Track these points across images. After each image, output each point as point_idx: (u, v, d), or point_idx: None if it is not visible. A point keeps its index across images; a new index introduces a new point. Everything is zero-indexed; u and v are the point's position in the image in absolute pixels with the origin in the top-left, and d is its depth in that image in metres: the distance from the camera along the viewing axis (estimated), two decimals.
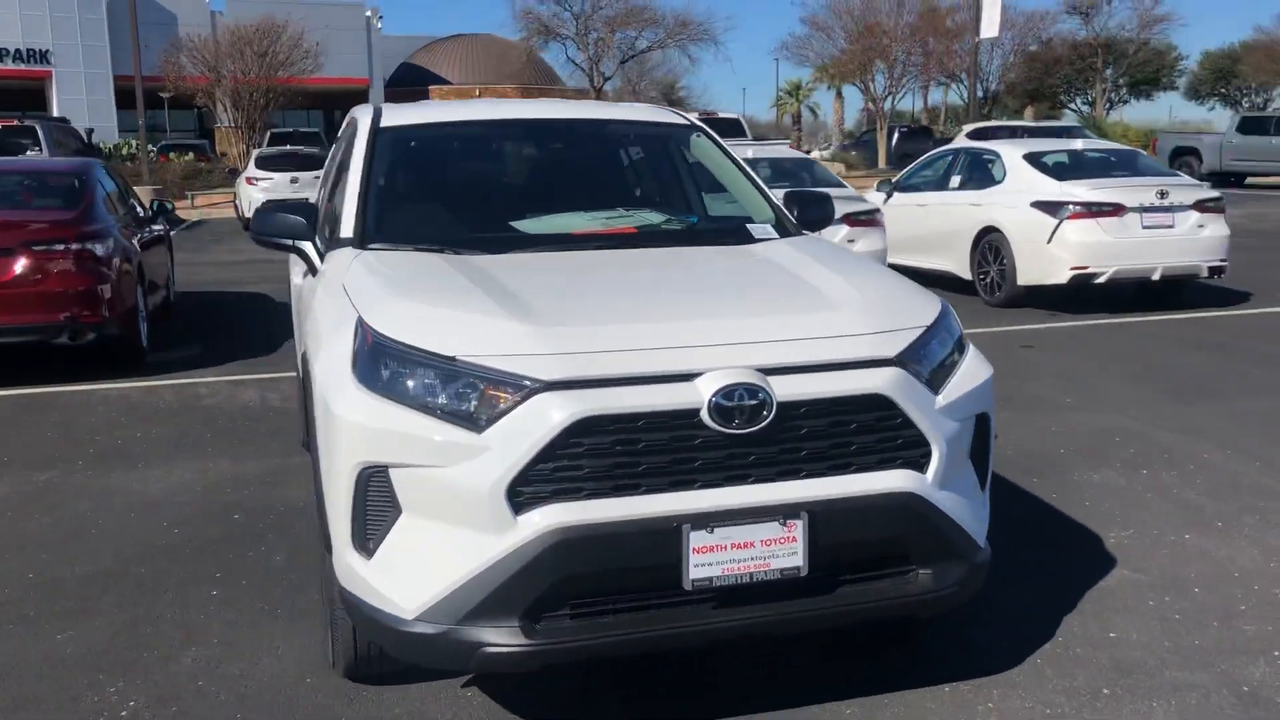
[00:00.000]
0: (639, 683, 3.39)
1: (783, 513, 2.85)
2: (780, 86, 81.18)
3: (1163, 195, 10.00)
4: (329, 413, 2.96)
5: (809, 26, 48.58)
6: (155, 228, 10.16)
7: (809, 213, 4.35)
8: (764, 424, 2.81)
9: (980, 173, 11.23)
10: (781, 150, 12.93)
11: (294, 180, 21.27)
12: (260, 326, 10.18)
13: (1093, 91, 56.17)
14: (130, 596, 4.13)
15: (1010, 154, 10.90)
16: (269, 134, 32.41)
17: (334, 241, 3.94)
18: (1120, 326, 9.50)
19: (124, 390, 7.64)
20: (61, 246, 7.66)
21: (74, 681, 3.48)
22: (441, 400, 2.82)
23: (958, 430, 3.08)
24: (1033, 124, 29.07)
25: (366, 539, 2.91)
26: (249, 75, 32.19)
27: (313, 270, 4.04)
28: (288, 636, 3.75)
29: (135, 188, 12.53)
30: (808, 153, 23.65)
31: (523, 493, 2.74)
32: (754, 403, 2.79)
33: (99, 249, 7.89)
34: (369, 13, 49.89)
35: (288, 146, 24.91)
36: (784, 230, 4.16)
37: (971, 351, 3.30)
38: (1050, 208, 10.03)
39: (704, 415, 2.78)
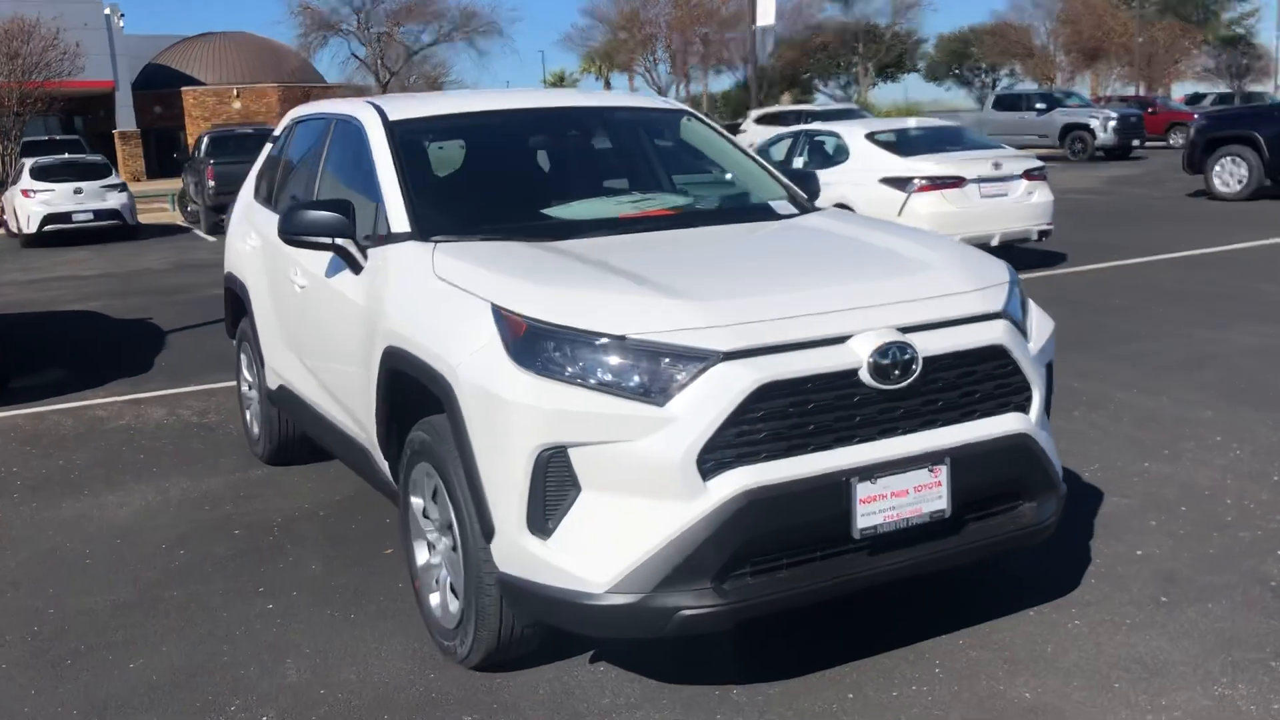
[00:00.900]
0: (752, 638, 3.54)
1: (930, 460, 3.08)
2: (544, 78, 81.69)
3: (997, 166, 10.83)
4: (495, 400, 2.97)
5: (590, 17, 49.13)
6: None
7: (805, 189, 4.59)
8: (912, 379, 3.03)
9: (824, 153, 11.81)
10: None
11: (78, 191, 19.93)
12: (114, 345, 9.63)
13: (844, 76, 59.21)
14: (184, 619, 3.96)
15: (853, 134, 11.53)
16: (22, 143, 29.99)
17: (383, 238, 3.88)
18: None
19: (8, 420, 7.11)
20: None
21: (187, 705, 3.35)
22: (617, 378, 2.89)
23: (1044, 374, 3.39)
24: (819, 108, 30.46)
25: (545, 520, 2.96)
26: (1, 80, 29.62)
27: (354, 268, 3.97)
28: (380, 639, 3.71)
29: None
30: None
31: (709, 459, 2.85)
32: (905, 359, 3.01)
33: None
34: (108, 10, 46.74)
35: (65, 155, 23.22)
36: (801, 206, 4.38)
37: (1033, 305, 3.62)
38: (898, 183, 10.68)
39: (862, 374, 2.97)
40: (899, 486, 3.05)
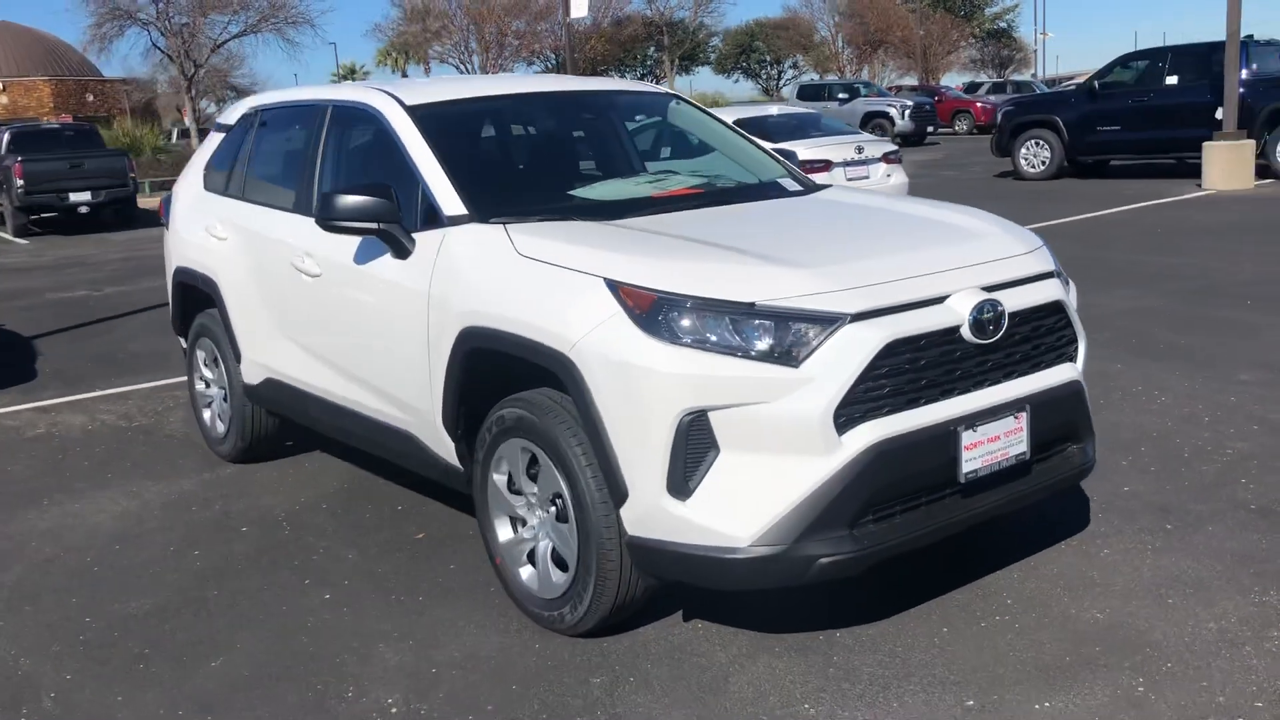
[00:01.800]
0: (822, 590, 3.75)
1: (1015, 408, 3.38)
2: (334, 71, 79.50)
3: (860, 150, 11.42)
4: (633, 370, 3.08)
5: (400, 8, 48.05)
6: None
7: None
8: (1000, 333, 3.32)
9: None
10: None
11: None
12: None
13: (639, 69, 60.16)
14: (242, 616, 3.88)
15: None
16: None
17: (432, 221, 3.90)
18: None
19: None
20: None
21: (299, 694, 3.31)
22: (751, 343, 3.06)
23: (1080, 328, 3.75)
24: None
25: (686, 481, 3.09)
26: None
27: (399, 252, 3.96)
28: (462, 617, 3.75)
29: None
30: None
31: (842, 415, 3.06)
32: (997, 315, 3.29)
33: None
34: None
35: None
36: (804, 183, 4.62)
37: None
38: None
39: (964, 330, 3.24)
40: (993, 433, 3.33)
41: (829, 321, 3.06)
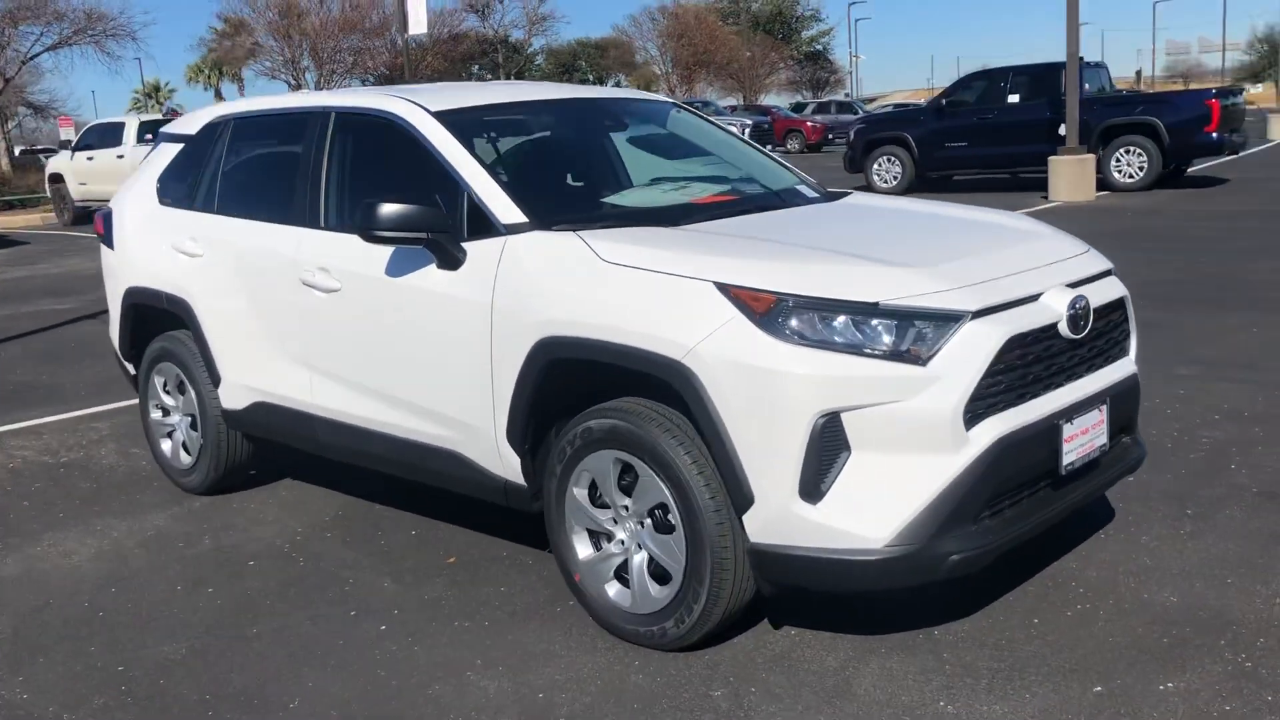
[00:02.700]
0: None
1: (1099, 400, 3.49)
2: (137, 88, 76.07)
3: None
4: (763, 373, 3.03)
5: (223, 23, 46.08)
6: None
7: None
8: (1089, 329, 3.42)
9: None
10: None
11: None
12: None
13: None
14: (298, 653, 3.63)
15: None
16: None
17: (485, 229, 3.75)
18: None
19: None
20: None
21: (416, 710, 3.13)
22: (879, 342, 3.06)
23: None
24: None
25: (818, 484, 3.06)
26: None
27: (448, 263, 3.80)
28: (544, 640, 3.61)
29: None
30: None
31: (968, 411, 3.09)
32: (1087, 310, 3.39)
33: None
34: None
35: None
36: (818, 189, 4.66)
37: None
38: None
39: (1061, 326, 3.32)
40: (1085, 425, 3.43)
41: (953, 319, 3.09)
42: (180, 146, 5.30)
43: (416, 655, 3.56)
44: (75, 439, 6.41)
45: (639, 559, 3.48)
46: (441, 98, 4.30)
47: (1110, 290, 3.63)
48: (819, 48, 69.83)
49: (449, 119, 4.12)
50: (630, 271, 3.36)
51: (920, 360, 3.05)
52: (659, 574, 3.45)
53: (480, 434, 3.81)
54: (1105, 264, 3.74)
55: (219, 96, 67.48)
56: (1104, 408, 3.51)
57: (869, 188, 19.23)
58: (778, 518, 3.11)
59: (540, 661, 3.47)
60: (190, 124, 5.36)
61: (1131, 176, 17.11)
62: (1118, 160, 17.19)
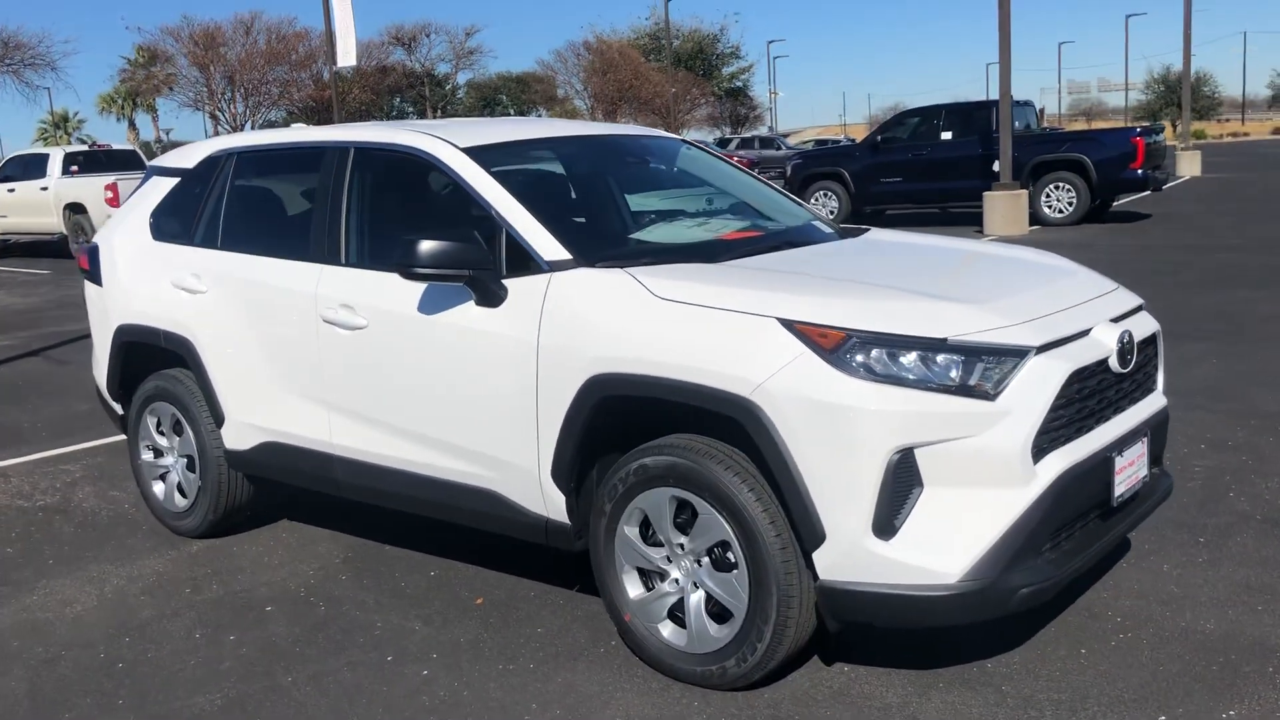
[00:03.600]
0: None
1: (1141, 433, 3.57)
2: (44, 118, 74.28)
3: None
4: (836, 410, 3.04)
5: (141, 55, 45.13)
6: None
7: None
8: (1134, 363, 3.50)
9: None
10: None
11: None
12: None
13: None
14: (344, 703, 3.52)
15: None
16: None
17: (525, 266, 3.72)
18: None
19: None
20: None
21: None
22: (950, 378, 3.09)
23: None
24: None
25: (891, 520, 3.08)
26: None
27: (488, 300, 3.76)
28: (595, 682, 3.56)
29: None
30: None
31: (1034, 445, 3.14)
32: (1133, 345, 3.47)
33: None
34: None
35: None
36: (832, 226, 4.72)
37: None
38: None
39: (1111, 360, 3.39)
40: (1132, 457, 3.50)
41: (1019, 354, 3.14)
42: (175, 181, 5.17)
43: (466, 700, 3.48)
44: (48, 482, 6.18)
45: (696, 598, 3.45)
46: (466, 134, 4.27)
47: (1146, 325, 3.72)
48: (739, 84, 70.83)
49: (478, 155, 4.09)
50: (687, 308, 3.36)
51: (989, 396, 3.09)
52: (716, 613, 3.42)
53: (521, 472, 3.75)
54: (1137, 300, 3.83)
55: (132, 127, 66.18)
56: (1144, 439, 3.59)
57: None
58: (850, 554, 3.11)
59: (597, 704, 3.41)
60: (185, 158, 5.24)
61: (1061, 211, 17.61)
62: (1048, 195, 17.69)
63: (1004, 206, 16.69)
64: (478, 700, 3.47)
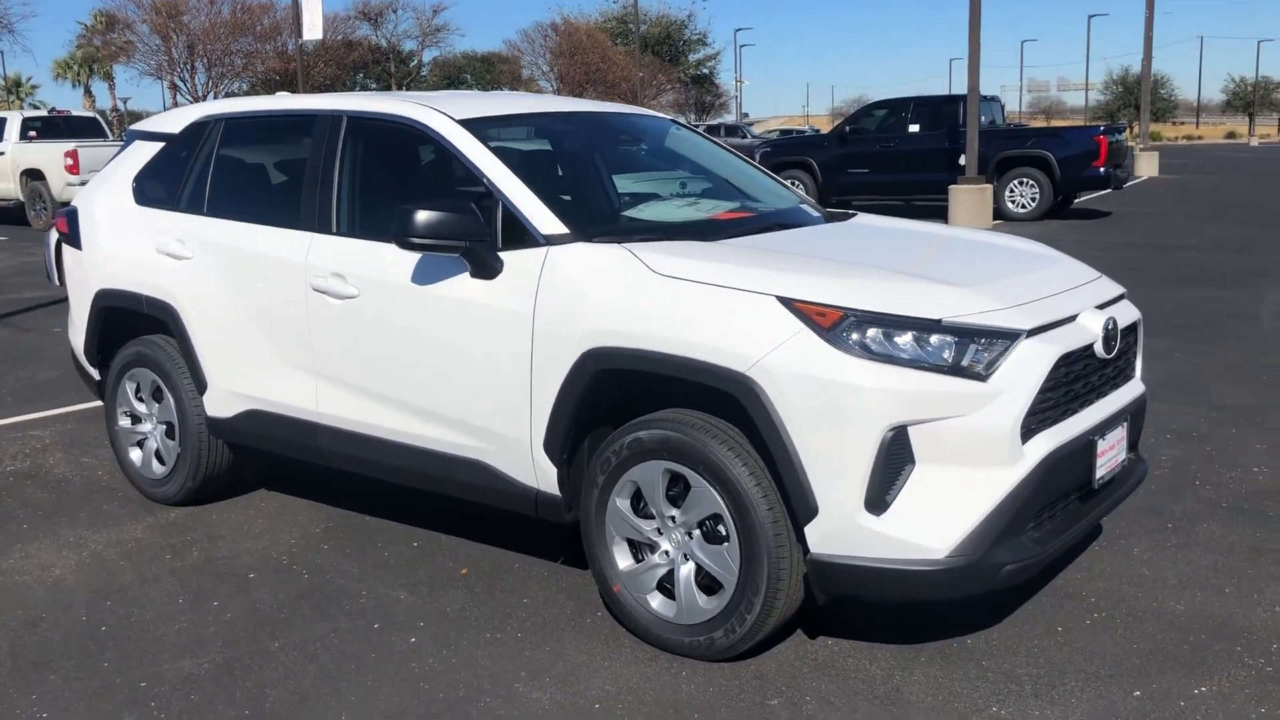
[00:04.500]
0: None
1: (1122, 418, 3.66)
2: None
3: None
4: (834, 387, 3.10)
5: (99, 20, 44.21)
6: None
7: None
8: (1117, 348, 3.59)
9: None
10: None
11: None
12: None
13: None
14: (331, 668, 3.54)
15: None
16: None
17: (521, 239, 3.75)
18: None
19: None
20: None
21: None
22: (945, 358, 3.15)
23: None
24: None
25: (883, 496, 3.14)
26: None
27: (484, 272, 3.78)
28: (583, 651, 3.60)
29: None
30: None
31: (1023, 426, 3.21)
32: (1117, 331, 3.56)
33: None
34: None
35: None
36: (817, 208, 4.77)
37: None
38: None
39: (1097, 346, 3.48)
40: (1112, 441, 3.60)
41: (1011, 337, 3.21)
42: (160, 146, 5.13)
43: (457, 668, 3.51)
44: (17, 447, 6.12)
45: (686, 569, 3.50)
46: (461, 106, 4.27)
47: (1128, 313, 3.81)
48: (705, 71, 70.84)
49: (473, 127, 4.10)
50: (685, 285, 3.40)
51: (982, 377, 3.16)
52: (706, 585, 3.48)
53: (513, 444, 3.78)
54: (1119, 288, 3.92)
55: (88, 94, 65.03)
56: (1124, 424, 3.69)
57: None
58: (842, 529, 3.17)
59: (586, 673, 3.46)
60: (170, 123, 5.19)
61: (1024, 207, 17.83)
62: (1011, 191, 17.91)
63: (968, 200, 16.86)
64: (467, 668, 3.51)
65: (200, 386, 4.78)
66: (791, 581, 3.31)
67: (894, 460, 3.13)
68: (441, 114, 4.14)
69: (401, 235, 3.70)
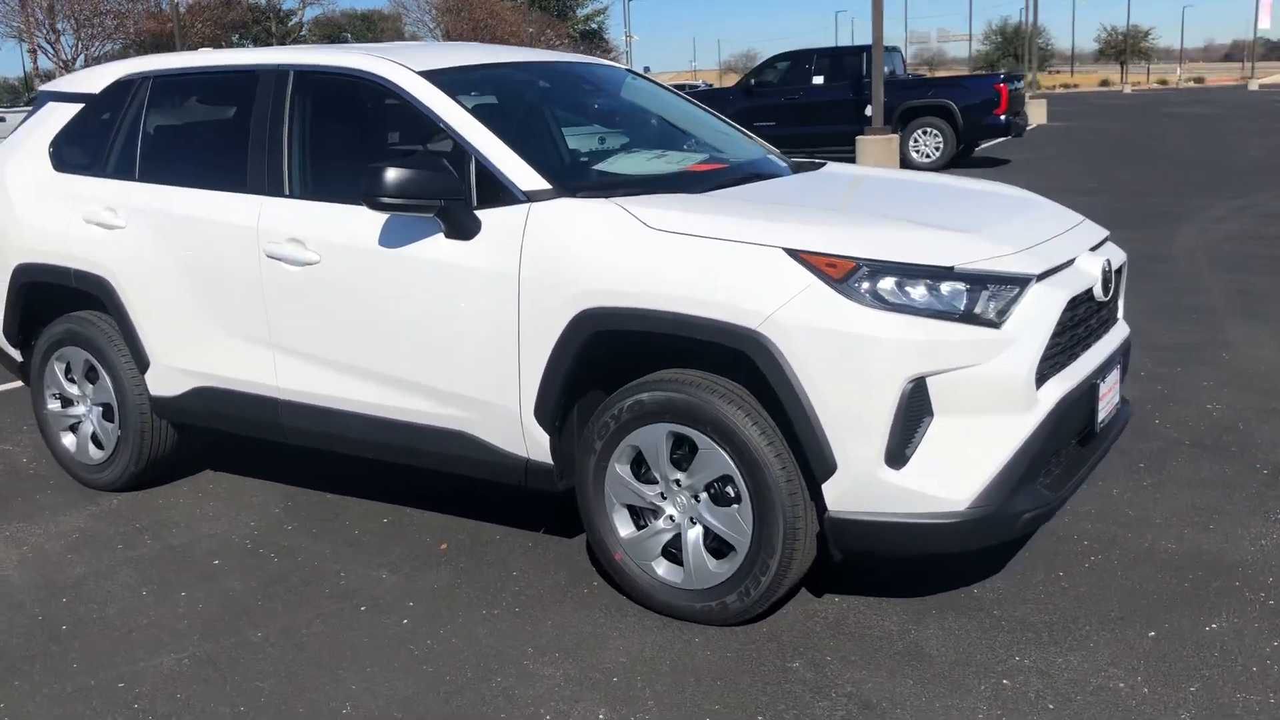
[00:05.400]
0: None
1: (1116, 360, 3.65)
2: None
3: None
4: (852, 339, 2.99)
5: None
6: None
7: None
8: (1112, 292, 3.56)
9: None
10: None
11: None
12: None
13: None
14: (324, 656, 3.35)
15: None
16: None
17: (499, 197, 3.56)
18: None
19: None
20: None
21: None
22: (959, 306, 3.07)
23: None
24: None
25: (903, 449, 3.06)
26: None
27: (460, 232, 3.58)
28: (589, 620, 3.47)
29: None
30: None
31: (1037, 372, 3.16)
32: (1113, 273, 3.53)
33: None
34: None
35: None
36: (785, 160, 4.67)
37: None
38: None
39: (1096, 289, 3.44)
40: (1110, 383, 3.58)
41: (1022, 282, 3.15)
42: (79, 107, 4.78)
43: (458, 648, 3.35)
44: None
45: (694, 533, 3.39)
46: (421, 58, 4.04)
47: (1116, 255, 3.79)
48: (594, 26, 70.15)
49: (438, 80, 3.88)
50: (684, 239, 3.26)
51: (995, 324, 3.09)
52: (714, 548, 3.37)
53: (499, 412, 3.61)
54: (1104, 231, 3.90)
55: None
56: (1119, 367, 3.68)
57: None
58: (861, 484, 3.09)
59: (595, 644, 3.33)
60: (89, 82, 4.83)
61: (928, 156, 18.04)
62: (915, 140, 18.09)
63: (875, 151, 16.94)
64: (469, 647, 3.35)
65: (141, 364, 4.48)
66: (806, 540, 3.22)
67: (913, 412, 3.05)
68: (401, 66, 3.91)
69: (371, 195, 3.48)
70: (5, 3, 38.80)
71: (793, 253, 3.12)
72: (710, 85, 41.00)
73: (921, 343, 3.02)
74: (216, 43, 34.36)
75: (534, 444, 3.59)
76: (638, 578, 3.49)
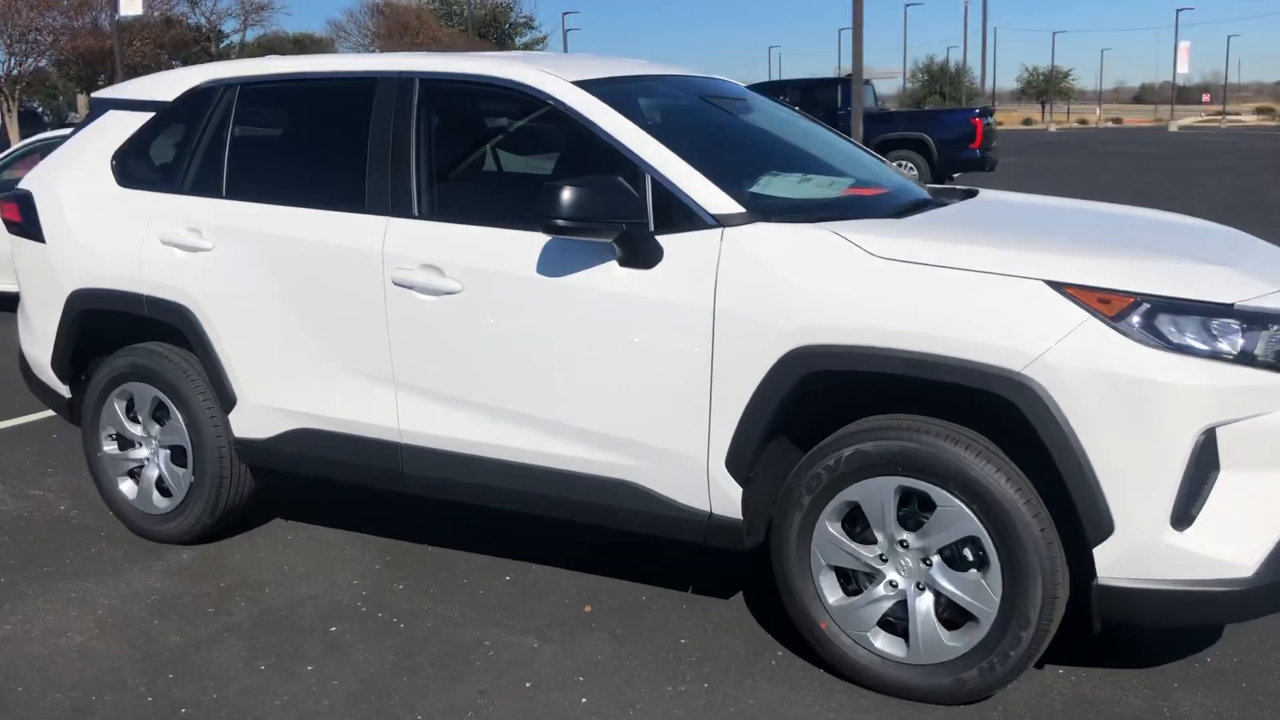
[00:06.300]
0: None
1: None
2: None
3: None
4: (1140, 385, 2.66)
5: None
6: None
7: None
8: None
9: None
10: None
11: None
12: None
13: None
14: (450, 697, 2.91)
15: None
16: None
17: (683, 222, 3.18)
18: None
19: None
20: None
21: None
22: (1248, 348, 2.76)
23: None
24: None
25: (1189, 509, 2.73)
26: None
27: (638, 260, 3.20)
28: (799, 701, 3.08)
29: None
30: None
31: None
32: None
33: None
34: None
35: None
36: (925, 188, 4.35)
37: None
38: None
39: None
40: None
41: None
42: (148, 116, 4.29)
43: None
44: None
45: (924, 601, 3.01)
46: (569, 68, 3.66)
47: None
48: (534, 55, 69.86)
49: (597, 90, 3.50)
50: (920, 269, 2.91)
51: (1276, 367, 2.78)
52: (947, 618, 3.00)
53: (680, 461, 3.22)
54: None
55: None
56: None
57: None
58: (1143, 548, 2.74)
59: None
60: (159, 89, 4.34)
61: None
62: None
63: None
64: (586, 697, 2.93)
65: (226, 403, 3.99)
66: (1060, 610, 2.87)
67: (1202, 466, 2.73)
68: (555, 76, 3.52)
69: (546, 217, 3.09)
70: None
71: (1057, 286, 2.78)
72: None
73: (1212, 389, 2.70)
74: (156, 62, 33.31)
75: (721, 497, 3.20)
76: (849, 650, 3.10)
